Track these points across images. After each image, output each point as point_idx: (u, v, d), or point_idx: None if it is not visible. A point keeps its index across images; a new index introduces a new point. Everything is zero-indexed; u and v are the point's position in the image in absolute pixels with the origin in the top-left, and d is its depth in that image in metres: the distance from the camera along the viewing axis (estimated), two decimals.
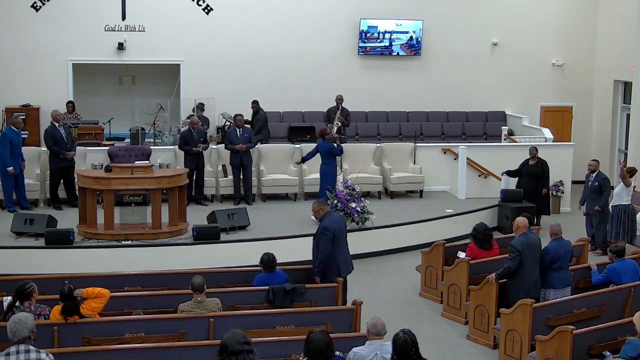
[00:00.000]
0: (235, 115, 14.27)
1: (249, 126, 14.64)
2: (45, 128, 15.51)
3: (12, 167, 12.58)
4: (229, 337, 5.20)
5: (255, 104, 15.78)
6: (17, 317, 5.39)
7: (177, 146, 14.05)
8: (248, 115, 15.64)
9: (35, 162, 13.50)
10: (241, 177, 13.85)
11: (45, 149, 13.77)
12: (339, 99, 15.48)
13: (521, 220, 8.97)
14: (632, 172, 12.23)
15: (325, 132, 13.23)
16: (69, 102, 15.94)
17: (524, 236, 8.72)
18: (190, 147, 13.50)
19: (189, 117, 14.98)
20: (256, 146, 14.56)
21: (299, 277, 8.68)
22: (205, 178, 13.91)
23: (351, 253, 11.63)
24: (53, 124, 13.09)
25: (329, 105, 15.64)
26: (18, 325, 5.28)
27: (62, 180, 13.19)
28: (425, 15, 17.66)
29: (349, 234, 11.85)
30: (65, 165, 12.94)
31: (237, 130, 13.88)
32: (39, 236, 11.17)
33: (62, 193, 13.36)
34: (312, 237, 8.98)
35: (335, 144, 13.01)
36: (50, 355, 5.40)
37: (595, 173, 12.42)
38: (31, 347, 5.28)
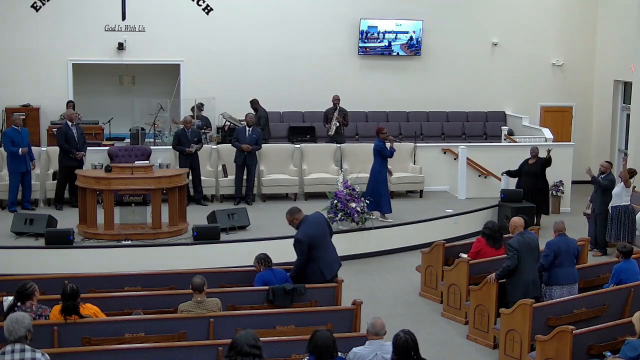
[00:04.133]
0: (247, 115, 14.29)
1: (259, 129, 14.61)
2: (46, 128, 15.66)
3: (24, 148, 12.70)
4: (241, 337, 5.19)
5: (254, 102, 15.78)
6: (14, 316, 5.40)
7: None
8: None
9: (35, 162, 13.48)
10: (244, 177, 13.85)
11: (46, 148, 13.81)
12: (336, 100, 15.50)
13: (517, 220, 8.99)
14: (632, 173, 12.22)
15: (381, 131, 12.92)
16: (69, 101, 15.94)
17: (521, 235, 8.73)
18: (183, 147, 13.50)
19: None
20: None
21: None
22: (205, 178, 13.90)
23: (351, 253, 11.80)
24: (66, 123, 13.19)
25: (329, 105, 15.66)
26: (15, 324, 5.29)
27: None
28: (425, 15, 17.67)
29: (349, 234, 12.01)
30: (74, 165, 12.94)
31: (247, 129, 13.88)
32: (39, 236, 11.17)
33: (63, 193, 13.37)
34: None
35: (388, 145, 12.71)
36: (46, 355, 5.39)
37: (606, 174, 12.40)
38: (27, 347, 5.28)
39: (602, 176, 12.41)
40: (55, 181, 13.35)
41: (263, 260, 8.39)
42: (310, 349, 5.72)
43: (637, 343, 6.51)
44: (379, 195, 12.67)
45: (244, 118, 14.82)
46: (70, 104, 15.79)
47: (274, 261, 8.50)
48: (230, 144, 14.04)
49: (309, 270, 8.47)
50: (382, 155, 12.71)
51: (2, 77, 16.31)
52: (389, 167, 13.16)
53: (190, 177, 13.54)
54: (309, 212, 8.87)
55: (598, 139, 18.25)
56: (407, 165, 14.91)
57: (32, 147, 13.57)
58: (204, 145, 14.10)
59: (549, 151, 13.92)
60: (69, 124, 13.15)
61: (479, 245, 9.80)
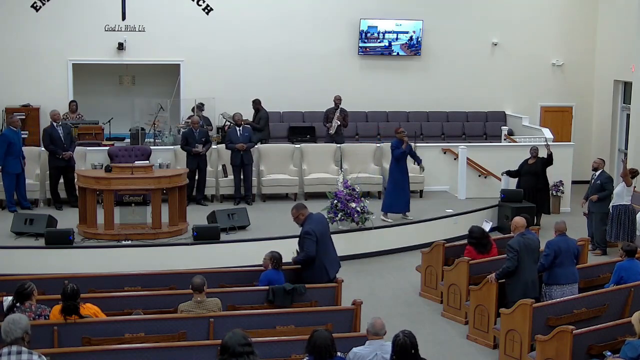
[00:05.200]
0: (234, 115, 14.28)
1: (248, 125, 14.64)
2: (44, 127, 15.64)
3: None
4: (230, 338, 5.19)
5: (256, 103, 15.79)
6: (12, 317, 5.36)
7: (177, 146, 14.08)
8: (249, 114, 15.64)
9: (35, 162, 13.51)
10: (241, 177, 13.86)
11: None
12: (338, 100, 15.51)
13: (519, 220, 8.97)
14: (634, 173, 12.20)
15: (397, 130, 12.88)
16: (72, 101, 15.96)
17: (522, 236, 8.73)
18: (190, 147, 13.50)
19: (189, 118, 14.98)
20: (256, 146, 14.57)
21: (299, 277, 8.66)
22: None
23: (351, 253, 11.82)
24: (52, 124, 13.12)
25: (329, 105, 15.67)
26: (12, 325, 5.24)
27: (62, 180, 13.19)
28: (425, 15, 17.66)
29: (349, 234, 12.02)
30: (62, 165, 12.94)
31: (237, 129, 13.89)
32: (39, 236, 11.17)
33: (62, 193, 13.36)
34: None
35: (404, 145, 12.61)
36: (44, 357, 5.35)
37: (599, 172, 12.41)
38: (23, 349, 5.22)
39: (596, 173, 12.42)
40: None
41: (275, 260, 8.40)
42: (309, 349, 5.72)
43: (637, 343, 6.51)
44: (387, 193, 12.78)
45: (244, 119, 14.83)
46: (73, 104, 15.79)
47: None
48: (225, 147, 14.01)
49: (314, 266, 8.48)
50: (393, 155, 12.75)
51: (2, 77, 16.30)
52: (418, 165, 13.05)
53: (197, 177, 13.58)
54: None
55: (598, 139, 18.24)
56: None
57: (31, 147, 13.61)
58: (211, 145, 14.09)
59: (547, 146, 13.93)
60: (54, 124, 13.10)
61: (469, 255, 9.78)
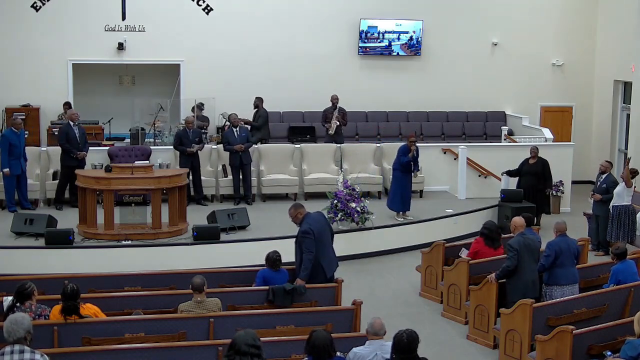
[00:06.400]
0: (230, 115, 14.24)
1: (247, 125, 14.62)
2: (46, 128, 15.65)
3: (7, 169, 12.60)
4: (239, 336, 5.21)
5: (257, 100, 15.76)
6: (14, 317, 5.37)
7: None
8: (246, 113, 15.60)
9: (35, 162, 13.51)
10: (241, 177, 13.86)
11: (46, 148, 13.80)
12: (335, 99, 15.48)
13: (518, 220, 9.00)
14: (634, 173, 12.20)
15: (409, 138, 12.89)
16: (66, 102, 15.91)
17: (521, 236, 8.74)
18: (184, 147, 13.49)
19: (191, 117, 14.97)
20: (256, 145, 14.56)
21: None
22: (205, 178, 13.90)
23: (351, 253, 11.82)
24: (68, 123, 13.18)
25: (329, 105, 15.64)
26: (14, 325, 5.25)
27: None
28: (425, 15, 17.67)
29: (349, 234, 12.01)
30: (75, 165, 12.93)
31: (234, 130, 13.87)
32: (39, 236, 11.17)
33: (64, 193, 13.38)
34: None
35: (410, 154, 12.65)
36: (46, 356, 5.36)
37: (606, 175, 12.40)
38: (26, 348, 5.24)
39: (603, 176, 12.41)
40: (56, 181, 13.35)
41: (270, 260, 8.43)
42: (308, 350, 5.72)
43: (637, 342, 6.51)
44: (393, 193, 12.90)
45: (243, 118, 14.83)
46: (67, 105, 15.74)
47: None
48: (223, 149, 13.98)
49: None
50: (400, 160, 12.79)
51: (2, 77, 16.29)
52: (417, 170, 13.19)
53: (191, 177, 13.57)
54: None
55: (598, 139, 18.25)
56: None
57: (31, 148, 13.59)
58: (204, 146, 14.09)
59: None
60: (71, 123, 13.15)
61: (477, 246, 9.81)
